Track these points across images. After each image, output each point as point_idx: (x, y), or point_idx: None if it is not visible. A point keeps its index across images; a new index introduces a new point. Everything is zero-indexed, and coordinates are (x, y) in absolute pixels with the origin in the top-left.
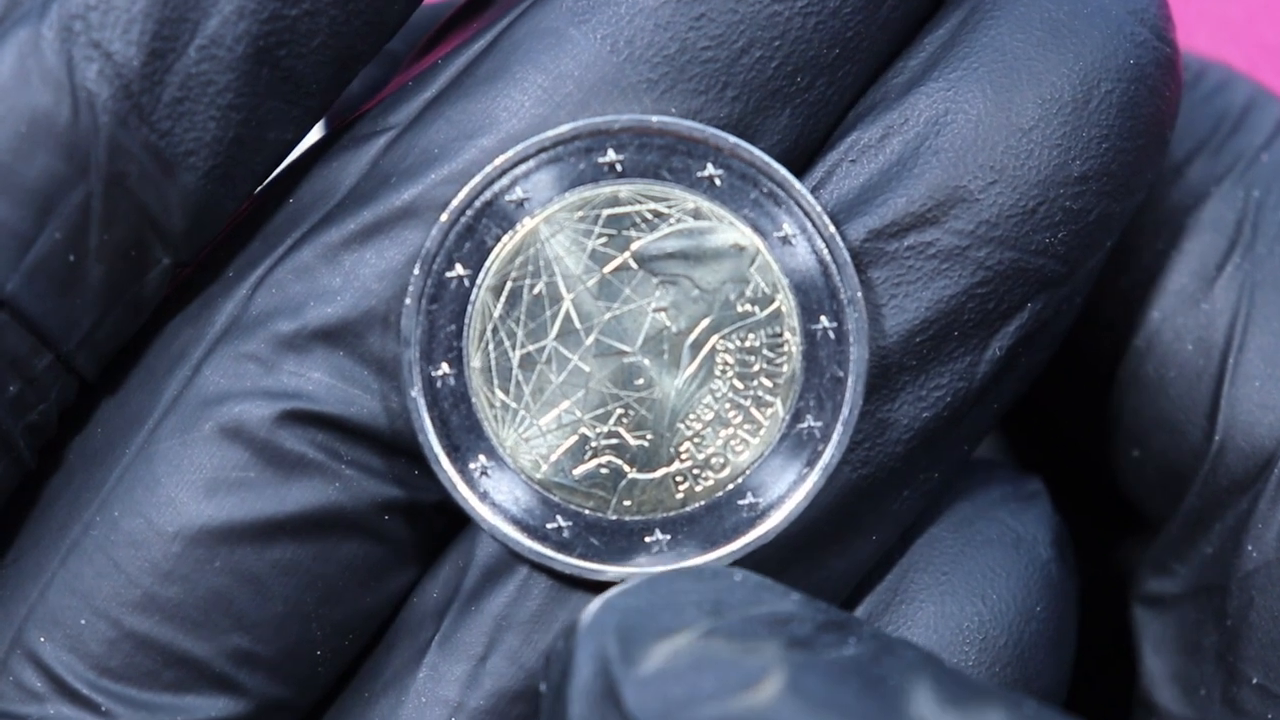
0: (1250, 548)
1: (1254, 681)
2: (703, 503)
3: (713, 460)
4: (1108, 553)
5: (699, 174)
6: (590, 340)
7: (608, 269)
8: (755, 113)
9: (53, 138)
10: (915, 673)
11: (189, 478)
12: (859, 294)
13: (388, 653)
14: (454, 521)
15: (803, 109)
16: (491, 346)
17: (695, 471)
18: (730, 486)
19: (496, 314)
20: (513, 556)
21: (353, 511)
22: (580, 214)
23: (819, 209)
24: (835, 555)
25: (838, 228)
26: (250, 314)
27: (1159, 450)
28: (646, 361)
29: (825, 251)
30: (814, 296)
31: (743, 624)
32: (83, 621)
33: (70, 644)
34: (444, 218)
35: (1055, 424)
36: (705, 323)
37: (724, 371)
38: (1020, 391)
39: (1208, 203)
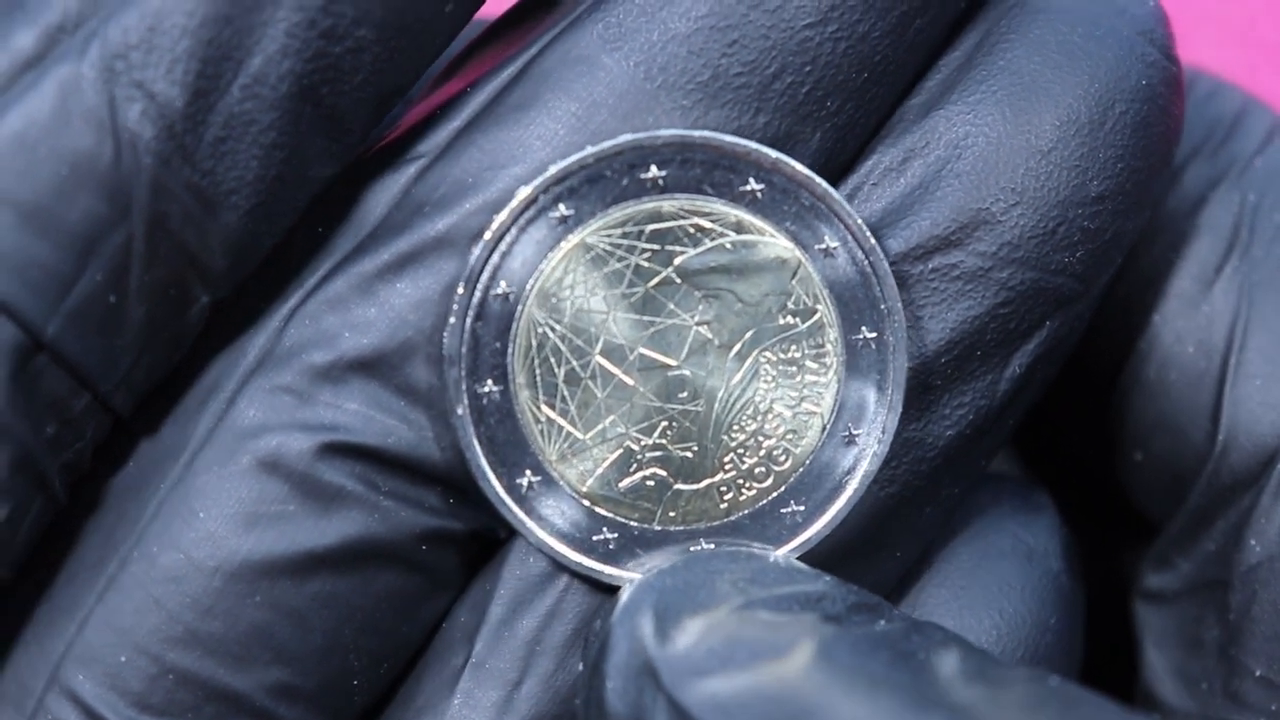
0: (1253, 542)
1: (1257, 674)
2: (746, 512)
3: (756, 470)
4: (1108, 550)
5: (741, 188)
6: (634, 355)
7: (651, 284)
8: (786, 137)
9: (95, 179)
10: (943, 648)
11: (228, 511)
12: (899, 304)
13: (420, 678)
14: (489, 549)
15: (832, 132)
16: (537, 363)
17: (739, 481)
18: (773, 495)
19: (541, 330)
20: (558, 569)
21: (391, 542)
22: (624, 230)
23: (859, 221)
24: (862, 572)
25: (878, 239)
26: (284, 346)
27: (1162, 452)
28: (690, 374)
29: (866, 263)
30: (855, 307)
31: (776, 600)
32: (122, 658)
33: (110, 681)
34: (488, 235)
35: (1057, 429)
36: (748, 335)
37: (767, 383)
38: (1033, 404)
39: (1204, 207)
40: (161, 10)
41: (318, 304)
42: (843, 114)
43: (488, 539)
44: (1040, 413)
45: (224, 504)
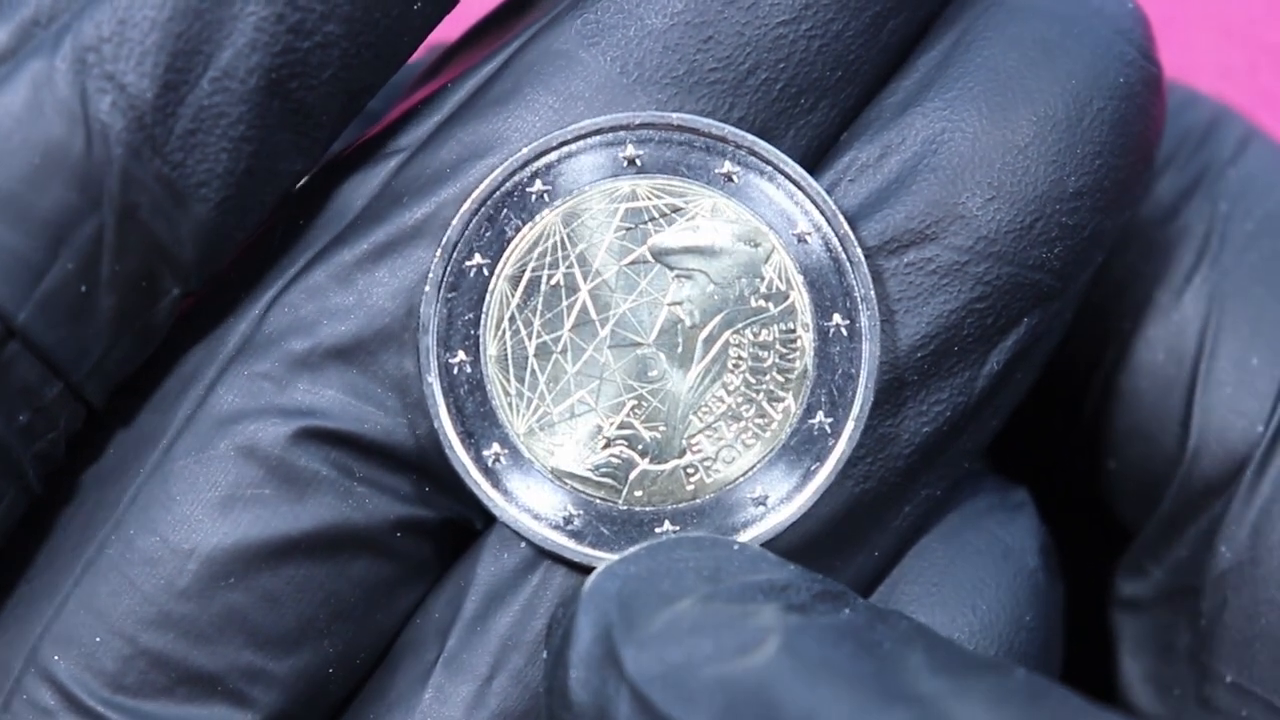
0: (1223, 548)
1: (1228, 680)
2: (713, 495)
3: (724, 453)
4: (1085, 557)
5: (717, 170)
6: (606, 332)
7: (625, 262)
8: (760, 134)
9: (66, 169)
10: (909, 640)
11: (204, 496)
12: (872, 292)
13: (392, 672)
14: (465, 538)
15: (806, 130)
16: (508, 335)
17: (706, 464)
18: (740, 480)
19: (514, 303)
20: (531, 565)
21: (366, 529)
22: (599, 207)
23: (834, 208)
24: (837, 570)
25: (852, 227)
26: (263, 334)
27: (1134, 460)
28: (661, 354)
29: (840, 250)
30: (828, 294)
31: (741, 590)
32: (98, 639)
33: (85, 661)
34: (465, 206)
35: (1032, 437)
36: (719, 317)
37: (737, 366)
38: (1014, 405)
39: (1177, 216)
40: (132, 4)
41: (297, 293)
42: (817, 111)
43: (463, 529)
44: (1015, 420)
45: (200, 489)
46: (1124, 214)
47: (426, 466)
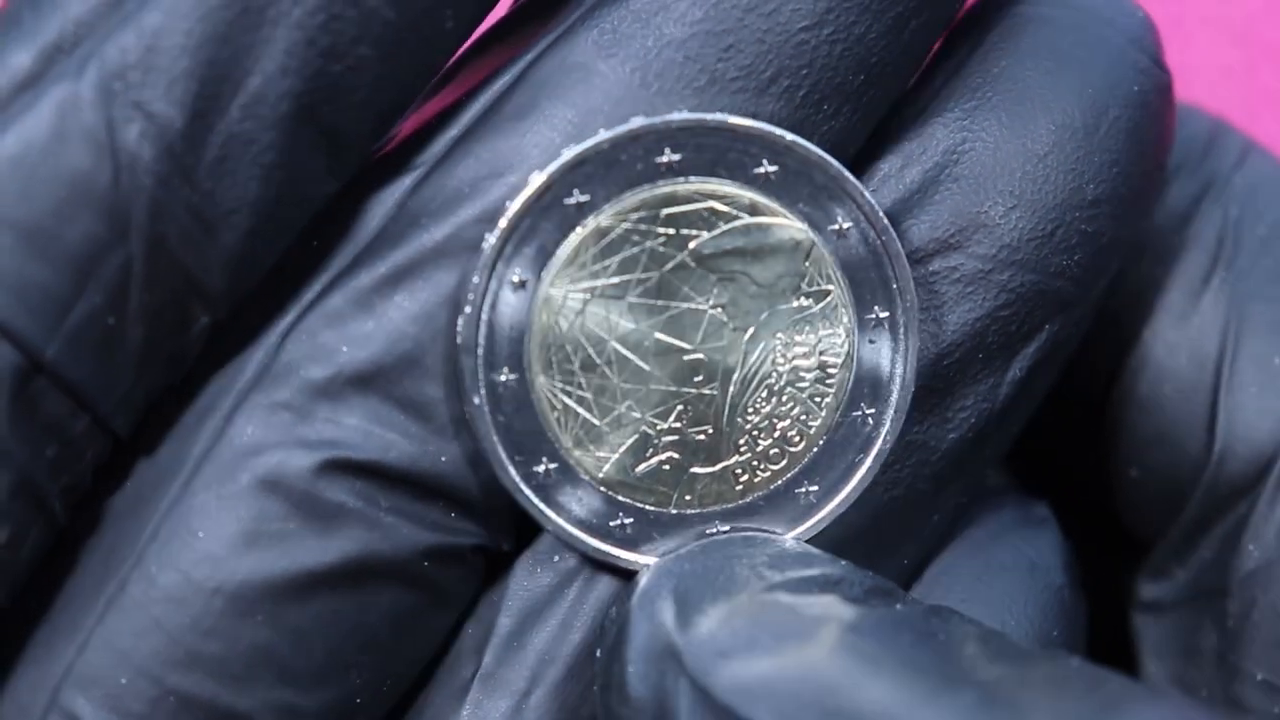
0: (1251, 548)
1: (1259, 678)
2: (762, 493)
3: (771, 452)
4: (1104, 563)
5: (755, 170)
6: (650, 340)
7: (666, 268)
8: None
9: (93, 200)
10: (963, 631)
11: (227, 531)
12: (911, 283)
13: (429, 691)
14: (493, 564)
15: (829, 135)
16: (553, 350)
17: (754, 463)
18: (788, 476)
19: (557, 317)
20: (566, 580)
21: (393, 559)
22: (639, 214)
23: (872, 201)
24: None
25: (891, 220)
26: (281, 362)
27: (1159, 466)
28: (705, 358)
29: (878, 242)
30: (867, 287)
31: (797, 583)
32: (123, 680)
33: (110, 703)
34: (503, 222)
35: (1051, 447)
36: (763, 318)
37: (781, 364)
38: (1033, 411)
39: (1189, 223)
40: (159, 30)
41: (315, 319)
42: (840, 116)
43: (491, 553)
44: (1035, 429)
45: (223, 524)
46: (1140, 220)
47: (454, 492)
